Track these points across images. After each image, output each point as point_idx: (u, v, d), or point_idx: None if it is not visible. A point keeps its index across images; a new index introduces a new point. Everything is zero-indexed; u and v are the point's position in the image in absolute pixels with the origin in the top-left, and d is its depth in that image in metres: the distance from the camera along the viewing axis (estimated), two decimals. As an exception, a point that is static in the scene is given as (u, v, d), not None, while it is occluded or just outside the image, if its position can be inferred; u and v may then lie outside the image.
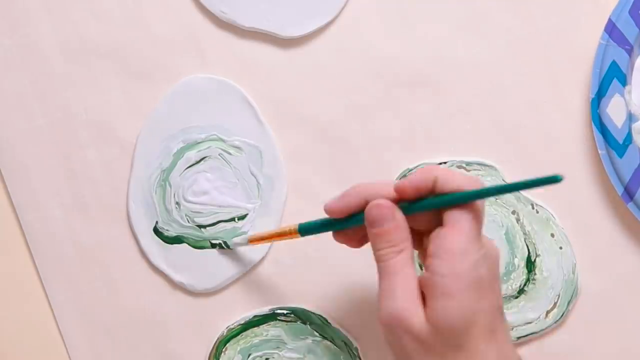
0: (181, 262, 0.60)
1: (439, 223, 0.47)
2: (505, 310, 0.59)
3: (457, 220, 0.46)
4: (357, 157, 0.60)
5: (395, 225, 0.47)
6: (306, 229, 0.53)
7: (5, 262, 0.60)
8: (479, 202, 0.47)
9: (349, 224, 0.50)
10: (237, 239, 0.59)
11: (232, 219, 0.60)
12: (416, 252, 0.51)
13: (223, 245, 0.59)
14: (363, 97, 0.61)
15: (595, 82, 0.59)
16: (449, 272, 0.45)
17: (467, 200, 0.46)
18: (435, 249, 0.46)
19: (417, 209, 0.48)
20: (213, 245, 0.60)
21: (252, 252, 0.60)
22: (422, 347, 0.46)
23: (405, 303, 0.46)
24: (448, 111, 0.61)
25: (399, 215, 0.47)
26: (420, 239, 0.50)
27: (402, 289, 0.46)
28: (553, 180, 0.42)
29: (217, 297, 0.60)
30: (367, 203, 0.48)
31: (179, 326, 0.60)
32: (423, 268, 0.47)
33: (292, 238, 0.54)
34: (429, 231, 0.48)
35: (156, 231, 0.59)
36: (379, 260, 0.48)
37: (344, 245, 0.52)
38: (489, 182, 0.60)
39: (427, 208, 0.47)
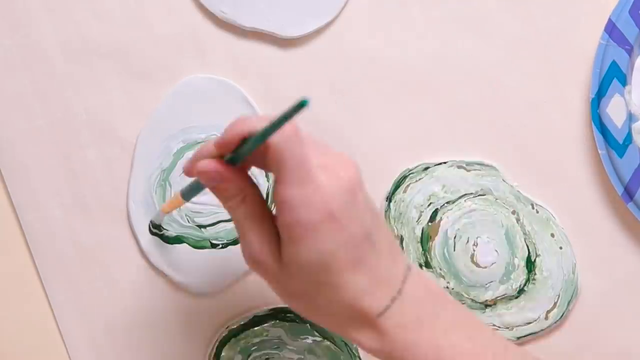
0: (181, 262, 0.60)
1: None
2: (505, 311, 0.60)
3: (277, 171, 0.45)
4: (357, 157, 0.60)
5: (226, 181, 0.47)
6: (185, 193, 0.53)
7: (5, 262, 0.60)
8: (290, 146, 0.44)
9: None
10: (154, 216, 0.59)
11: (232, 219, 0.60)
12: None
13: (152, 227, 0.60)
14: (363, 97, 0.61)
15: (595, 82, 0.59)
16: (290, 221, 0.45)
17: (259, 141, 0.44)
18: (275, 201, 0.46)
19: (237, 160, 0.47)
20: (213, 245, 0.60)
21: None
22: (284, 287, 0.47)
23: (258, 247, 0.46)
24: (448, 111, 0.61)
25: (225, 171, 0.46)
26: None
27: (252, 234, 0.47)
28: (301, 105, 0.40)
29: (217, 297, 0.60)
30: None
31: (179, 326, 0.60)
32: (282, 254, 0.47)
33: (180, 205, 0.55)
34: None
35: (154, 226, 0.60)
36: (229, 212, 0.48)
37: None
38: (488, 181, 0.60)
39: (241, 157, 0.46)
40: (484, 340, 0.48)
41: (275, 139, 0.43)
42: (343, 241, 0.45)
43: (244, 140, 0.45)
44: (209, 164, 0.47)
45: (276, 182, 0.45)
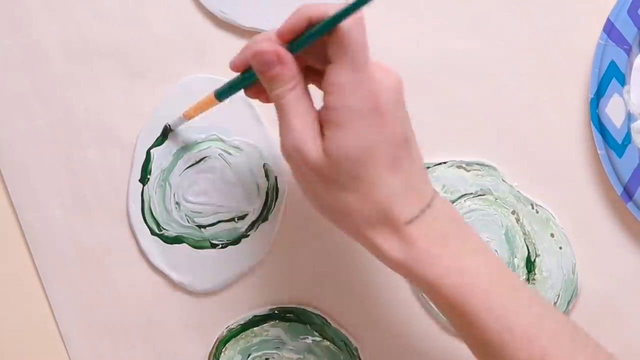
0: (181, 262, 0.60)
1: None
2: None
3: (338, 54, 0.46)
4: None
5: (282, 65, 0.47)
6: (220, 93, 0.53)
7: (5, 262, 0.60)
8: (355, 33, 0.46)
9: (251, 77, 0.50)
10: (173, 121, 0.59)
11: (232, 219, 0.60)
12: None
13: (166, 129, 0.60)
14: (363, 97, 0.61)
15: (594, 82, 0.59)
16: (339, 105, 0.46)
17: (330, 25, 0.46)
18: (326, 85, 0.47)
19: (299, 47, 0.48)
20: (213, 245, 0.60)
21: (252, 252, 0.60)
22: (321, 177, 0.47)
23: (301, 134, 0.47)
24: (448, 111, 0.61)
25: (284, 54, 0.48)
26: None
27: (297, 121, 0.47)
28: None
29: (217, 297, 0.60)
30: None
31: (179, 326, 0.60)
32: (325, 140, 0.47)
33: (213, 105, 0.54)
34: None
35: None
36: (275, 100, 0.48)
37: (258, 100, 0.53)
38: (488, 181, 0.60)
39: (306, 43, 0.47)
40: (502, 270, 0.49)
41: (346, 22, 0.45)
42: (384, 137, 0.46)
43: (307, 27, 0.47)
44: (271, 45, 0.47)
45: (332, 66, 0.46)
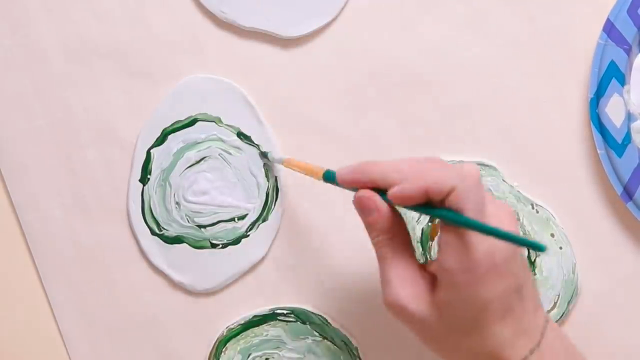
0: (181, 262, 0.60)
1: None
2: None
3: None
4: (357, 157, 0.60)
5: (379, 214, 0.48)
6: (328, 177, 0.52)
7: (5, 262, 0.60)
8: (470, 188, 0.45)
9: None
10: (275, 156, 0.59)
11: (232, 219, 0.60)
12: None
13: (263, 154, 0.59)
14: (363, 97, 0.61)
15: (594, 82, 0.59)
16: (456, 267, 0.45)
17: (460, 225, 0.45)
18: (440, 243, 0.46)
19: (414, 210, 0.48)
20: (213, 245, 0.60)
21: (252, 252, 0.60)
22: (428, 331, 0.47)
23: (402, 288, 0.47)
24: (448, 111, 0.61)
25: (382, 205, 0.48)
26: None
27: (397, 276, 0.47)
28: (538, 247, 0.41)
29: (217, 297, 0.60)
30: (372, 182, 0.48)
31: (179, 326, 0.60)
32: (436, 296, 0.47)
33: (316, 178, 0.53)
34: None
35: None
36: (374, 247, 0.49)
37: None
38: (488, 181, 0.60)
39: (420, 213, 0.48)
40: None
41: (464, 183, 0.44)
42: (499, 293, 0.45)
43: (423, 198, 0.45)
44: (369, 193, 0.47)
45: (443, 225, 0.45)
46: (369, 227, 0.48)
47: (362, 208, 0.48)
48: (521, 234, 0.53)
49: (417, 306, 0.46)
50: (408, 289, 0.47)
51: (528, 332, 0.47)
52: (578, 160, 0.61)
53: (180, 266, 0.60)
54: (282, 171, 0.60)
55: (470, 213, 0.45)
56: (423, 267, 0.48)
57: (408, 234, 0.49)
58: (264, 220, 0.60)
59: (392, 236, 0.48)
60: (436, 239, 0.46)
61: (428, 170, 0.45)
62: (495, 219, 0.46)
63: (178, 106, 0.60)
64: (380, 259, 0.48)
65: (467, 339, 0.46)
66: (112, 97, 0.60)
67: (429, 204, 0.46)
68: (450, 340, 0.47)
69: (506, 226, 0.46)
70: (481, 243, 0.45)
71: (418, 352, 0.60)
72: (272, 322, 0.60)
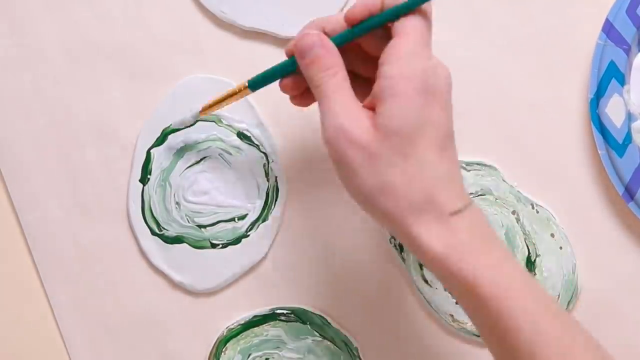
0: (181, 262, 0.60)
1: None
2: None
3: (405, 28, 0.47)
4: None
5: (325, 50, 0.48)
6: (255, 82, 0.53)
7: (5, 262, 0.60)
8: (426, 9, 0.48)
9: (290, 66, 0.51)
10: (185, 117, 0.59)
11: (232, 219, 0.60)
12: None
13: (176, 128, 0.59)
14: (363, 97, 0.61)
15: (594, 82, 0.59)
16: (397, 74, 0.46)
17: (408, 8, 0.48)
18: (385, 56, 0.47)
19: (366, 28, 0.49)
20: (213, 245, 0.60)
21: (252, 252, 0.60)
22: (368, 156, 0.46)
23: (346, 116, 0.47)
24: (448, 111, 0.61)
25: (327, 41, 0.49)
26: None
27: (341, 105, 0.47)
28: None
29: (217, 297, 0.60)
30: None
31: (179, 326, 0.60)
32: (377, 115, 0.47)
33: (243, 95, 0.54)
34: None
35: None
36: (315, 87, 0.49)
37: (291, 102, 0.54)
38: (488, 181, 0.60)
39: (374, 25, 0.49)
40: (529, 277, 0.48)
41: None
42: (436, 118, 0.46)
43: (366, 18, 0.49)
44: (314, 31, 0.49)
45: (395, 40, 0.47)
46: (313, 64, 0.48)
47: (304, 47, 0.49)
48: None
49: (359, 130, 0.46)
50: (351, 115, 0.47)
51: (460, 186, 0.47)
52: (578, 160, 0.61)
53: (180, 266, 0.60)
54: (282, 171, 0.60)
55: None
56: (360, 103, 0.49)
57: (347, 74, 0.49)
58: (264, 220, 0.60)
59: (334, 72, 0.48)
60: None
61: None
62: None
63: (178, 106, 0.60)
64: (322, 95, 0.48)
65: (403, 169, 0.46)
66: (112, 97, 0.60)
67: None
68: (387, 169, 0.46)
69: (446, 67, 0.49)
70: (423, 61, 0.47)
71: (418, 353, 0.60)
72: (272, 322, 0.60)
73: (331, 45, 0.49)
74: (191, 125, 0.59)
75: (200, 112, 0.57)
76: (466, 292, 0.46)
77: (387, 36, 0.48)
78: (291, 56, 0.51)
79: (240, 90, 0.54)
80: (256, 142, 0.60)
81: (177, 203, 0.60)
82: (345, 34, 0.49)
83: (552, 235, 0.60)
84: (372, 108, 0.47)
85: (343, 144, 0.47)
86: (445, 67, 0.48)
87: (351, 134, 0.46)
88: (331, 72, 0.48)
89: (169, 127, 0.60)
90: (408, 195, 0.46)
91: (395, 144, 0.46)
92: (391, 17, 0.48)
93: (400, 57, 0.46)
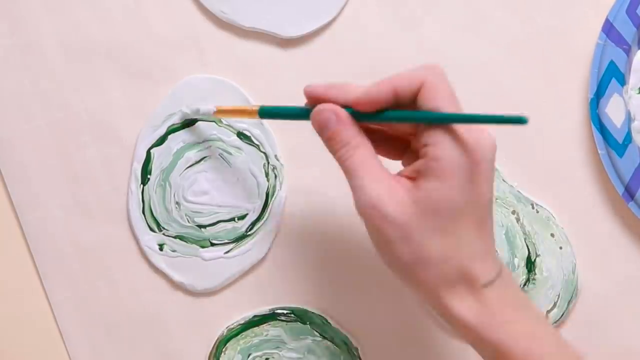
0: (181, 262, 0.60)
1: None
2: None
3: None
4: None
5: (342, 125, 0.47)
6: (265, 112, 0.53)
7: (5, 262, 0.60)
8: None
9: (303, 115, 0.50)
10: (203, 109, 0.58)
11: (232, 219, 0.60)
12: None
13: (193, 114, 0.59)
14: (363, 97, 0.61)
15: (594, 82, 0.59)
16: (442, 156, 0.45)
17: (444, 122, 0.46)
18: (426, 137, 0.46)
19: (381, 120, 0.48)
20: (213, 245, 0.60)
21: (252, 252, 0.60)
22: (404, 232, 0.45)
23: (377, 191, 0.46)
24: (447, 111, 0.61)
25: (342, 115, 0.47)
26: (400, 144, 0.51)
27: (370, 180, 0.46)
28: (518, 120, 0.42)
29: (217, 297, 0.60)
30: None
31: (179, 326, 0.60)
32: (419, 189, 0.46)
33: (253, 116, 0.54)
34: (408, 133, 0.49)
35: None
36: (340, 162, 0.48)
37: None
38: (488, 181, 0.60)
39: (395, 121, 0.48)
40: (561, 339, 0.48)
41: (432, 75, 0.46)
42: (478, 196, 0.45)
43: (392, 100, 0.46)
44: (329, 106, 0.47)
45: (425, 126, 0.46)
46: (332, 140, 0.47)
47: (320, 124, 0.47)
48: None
49: (393, 204, 0.45)
50: (383, 189, 0.46)
51: (494, 255, 0.47)
52: (578, 160, 0.61)
53: (180, 266, 0.60)
54: (282, 171, 0.60)
55: (446, 105, 0.45)
56: (393, 174, 0.48)
57: (371, 146, 0.48)
58: (264, 220, 0.60)
59: (356, 145, 0.47)
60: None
61: (392, 76, 0.46)
62: (478, 129, 0.46)
63: (178, 106, 0.60)
64: (349, 171, 0.47)
65: (440, 242, 0.45)
66: (112, 97, 0.60)
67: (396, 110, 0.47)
68: (424, 245, 0.45)
69: (491, 137, 0.47)
70: (465, 139, 0.45)
71: (418, 353, 0.60)
72: (272, 322, 0.60)
73: (347, 118, 0.47)
74: (193, 122, 0.59)
75: (215, 112, 0.57)
76: (499, 359, 0.46)
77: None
78: (309, 103, 0.50)
79: (252, 111, 0.54)
80: (256, 142, 0.60)
81: (177, 203, 0.60)
82: (365, 116, 0.48)
83: (552, 235, 0.60)
84: (411, 178, 0.47)
85: (377, 220, 0.46)
86: (489, 137, 0.47)
87: (385, 210, 0.45)
88: (352, 146, 0.47)
89: (169, 126, 0.60)
90: (444, 270, 0.46)
91: (435, 222, 0.45)
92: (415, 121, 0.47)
93: (442, 140, 0.45)
